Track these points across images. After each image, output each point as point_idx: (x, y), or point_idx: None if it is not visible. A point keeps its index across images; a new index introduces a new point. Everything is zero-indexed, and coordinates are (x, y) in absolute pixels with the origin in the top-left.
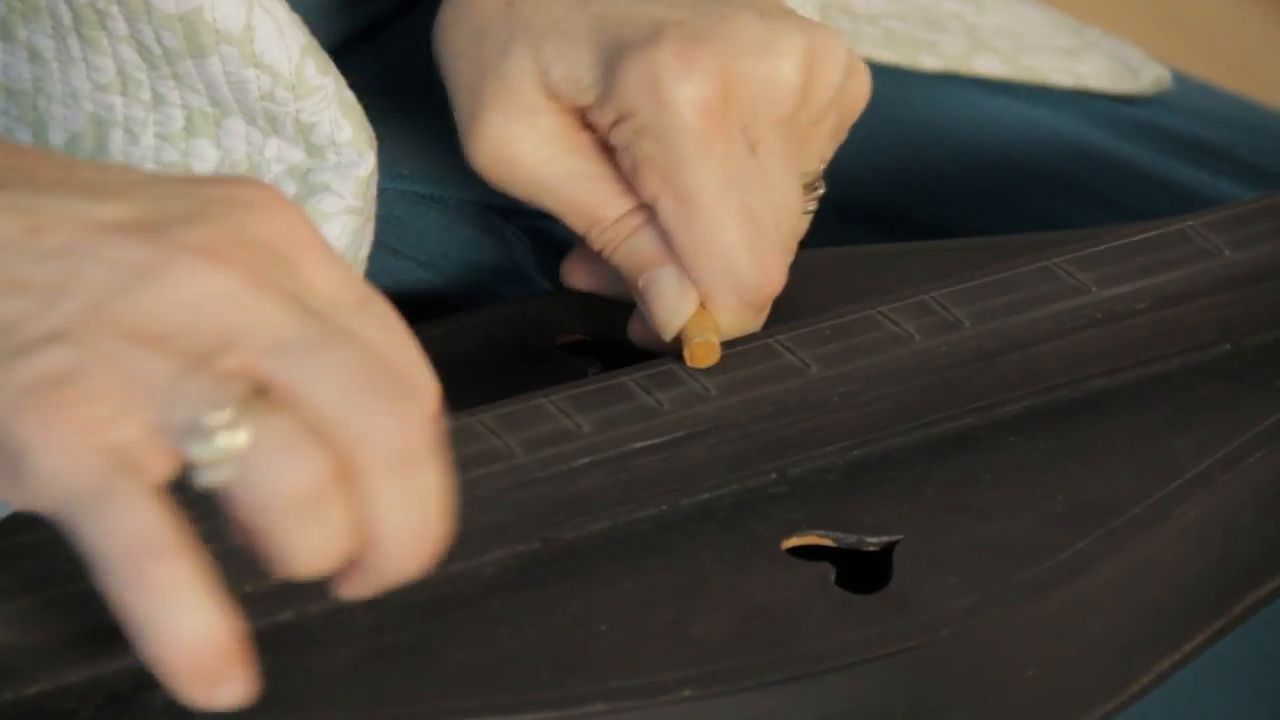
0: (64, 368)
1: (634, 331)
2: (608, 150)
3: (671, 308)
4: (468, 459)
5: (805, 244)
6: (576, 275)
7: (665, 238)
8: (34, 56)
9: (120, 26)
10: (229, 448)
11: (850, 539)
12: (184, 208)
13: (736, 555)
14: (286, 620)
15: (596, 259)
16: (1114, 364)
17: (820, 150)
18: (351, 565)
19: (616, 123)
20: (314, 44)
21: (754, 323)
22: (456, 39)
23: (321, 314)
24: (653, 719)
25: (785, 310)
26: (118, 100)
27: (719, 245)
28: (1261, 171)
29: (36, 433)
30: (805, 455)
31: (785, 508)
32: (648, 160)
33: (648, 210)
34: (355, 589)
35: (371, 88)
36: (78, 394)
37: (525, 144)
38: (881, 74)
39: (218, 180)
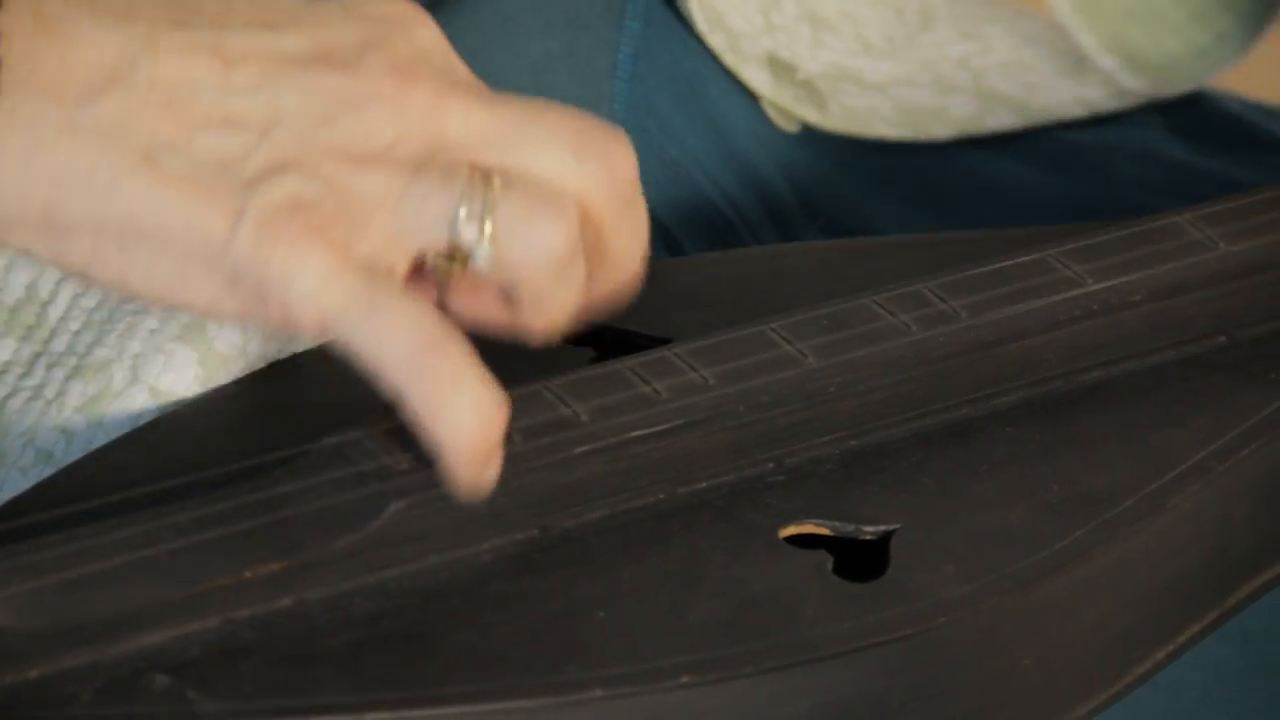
0: (297, 194)
1: None
2: None
3: None
4: None
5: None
6: None
7: None
8: None
9: None
10: (480, 228)
11: (847, 528)
12: (356, 35)
13: (734, 544)
14: (285, 606)
15: None
16: (1110, 356)
17: None
18: None
19: None
20: None
21: None
22: None
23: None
24: (650, 705)
25: (782, 301)
26: None
27: None
28: None
29: (293, 259)
30: (802, 445)
31: (782, 497)
32: None
33: None
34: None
35: None
36: (318, 217)
37: None
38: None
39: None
